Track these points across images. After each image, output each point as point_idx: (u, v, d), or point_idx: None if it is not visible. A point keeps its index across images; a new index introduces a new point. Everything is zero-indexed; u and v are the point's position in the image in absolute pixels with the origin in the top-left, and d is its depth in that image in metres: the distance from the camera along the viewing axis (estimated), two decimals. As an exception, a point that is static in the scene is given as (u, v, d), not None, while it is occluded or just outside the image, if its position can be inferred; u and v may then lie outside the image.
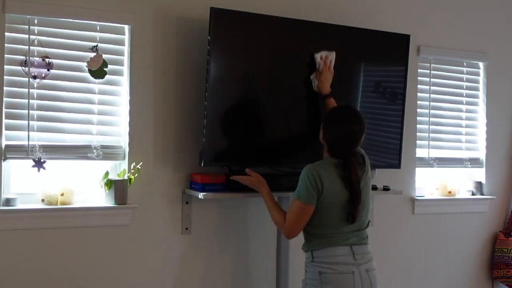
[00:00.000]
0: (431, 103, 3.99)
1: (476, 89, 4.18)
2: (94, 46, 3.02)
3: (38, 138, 2.91)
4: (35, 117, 2.91)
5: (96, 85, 3.04)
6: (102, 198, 3.06)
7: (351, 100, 3.42)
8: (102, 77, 3.03)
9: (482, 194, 4.17)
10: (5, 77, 2.85)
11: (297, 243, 3.48)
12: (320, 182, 2.63)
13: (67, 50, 2.97)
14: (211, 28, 2.97)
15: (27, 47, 2.88)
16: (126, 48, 3.10)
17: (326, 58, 3.20)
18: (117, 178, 3.05)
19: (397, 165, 3.59)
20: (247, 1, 3.27)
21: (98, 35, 3.04)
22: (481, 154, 4.18)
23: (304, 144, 3.33)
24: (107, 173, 3.05)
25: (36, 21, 2.90)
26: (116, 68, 3.09)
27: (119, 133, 3.11)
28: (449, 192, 4.02)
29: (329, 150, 2.76)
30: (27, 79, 2.89)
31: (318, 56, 3.20)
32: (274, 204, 2.85)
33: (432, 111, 3.99)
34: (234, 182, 3.06)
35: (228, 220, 3.35)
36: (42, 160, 2.87)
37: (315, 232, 2.72)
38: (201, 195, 3.04)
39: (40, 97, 2.93)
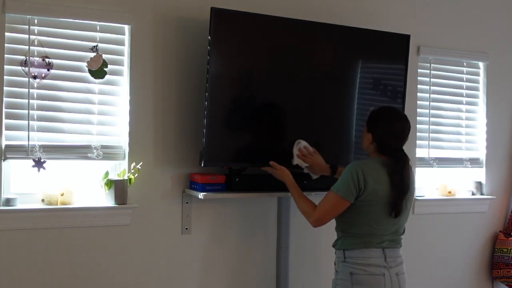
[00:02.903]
0: (431, 103, 3.99)
1: (476, 89, 4.18)
2: (94, 46, 3.01)
3: (38, 138, 2.91)
4: (35, 117, 2.91)
5: (96, 85, 3.04)
6: (102, 198, 3.06)
7: (351, 100, 3.42)
8: (102, 77, 3.03)
9: (482, 194, 4.17)
10: (5, 77, 2.85)
11: (297, 243, 3.49)
12: (364, 181, 2.66)
13: (67, 50, 2.97)
14: (212, 28, 2.97)
15: (27, 47, 2.88)
16: (126, 48, 3.10)
17: (301, 152, 3.12)
18: (117, 178, 3.04)
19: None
20: (248, 1, 3.27)
21: (98, 35, 3.03)
22: (481, 154, 4.17)
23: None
24: (107, 173, 3.05)
25: (36, 21, 2.90)
26: (116, 68, 3.09)
27: (119, 133, 3.11)
28: (449, 192, 4.02)
29: (378, 149, 2.78)
30: (27, 79, 2.89)
31: (295, 159, 3.11)
32: (301, 194, 2.90)
33: (432, 111, 3.99)
34: (234, 182, 3.09)
35: (228, 220, 3.35)
36: (42, 160, 2.86)
37: (352, 231, 2.75)
38: (201, 195, 3.04)
39: (40, 97, 2.92)
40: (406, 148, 2.84)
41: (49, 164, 2.90)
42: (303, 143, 3.14)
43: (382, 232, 2.72)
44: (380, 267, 2.68)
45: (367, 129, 2.82)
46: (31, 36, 2.89)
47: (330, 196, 2.74)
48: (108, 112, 3.09)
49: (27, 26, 2.88)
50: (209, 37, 2.98)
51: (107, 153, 3.05)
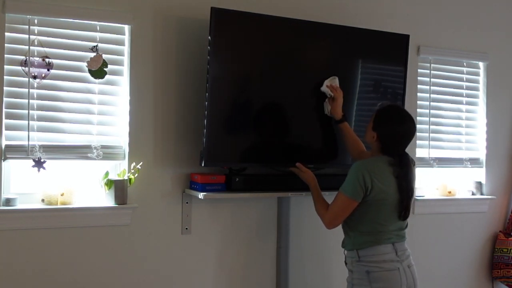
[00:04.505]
0: (431, 103, 3.99)
1: (476, 89, 4.18)
2: (94, 46, 3.01)
3: (38, 138, 2.91)
4: (35, 117, 2.91)
5: (96, 85, 3.04)
6: (102, 198, 3.06)
7: (351, 100, 3.42)
8: (102, 77, 3.03)
9: (482, 194, 4.17)
10: (5, 77, 2.85)
11: (297, 243, 3.48)
12: (370, 181, 2.69)
13: (67, 50, 2.97)
14: (212, 28, 2.97)
15: (27, 47, 2.88)
16: (126, 48, 3.10)
17: (331, 86, 3.21)
18: (117, 178, 3.05)
19: (397, 165, 3.58)
20: (248, 1, 3.27)
21: (98, 35, 3.03)
22: (481, 154, 4.18)
23: (305, 144, 3.33)
24: (107, 173, 3.05)
25: (36, 21, 2.90)
26: (116, 68, 3.09)
27: (119, 133, 3.11)
28: (449, 192, 4.02)
29: (383, 149, 2.80)
30: (27, 79, 2.89)
31: (324, 88, 3.21)
32: (319, 197, 2.95)
33: (432, 111, 3.99)
34: (234, 182, 3.10)
35: (228, 220, 3.35)
36: (42, 160, 2.86)
37: (361, 229, 2.79)
38: (201, 195, 3.04)
39: (40, 97, 2.92)
40: (406, 148, 2.85)
41: (49, 164, 2.90)
42: (336, 81, 3.23)
43: (390, 228, 2.77)
44: (394, 262, 2.74)
45: (372, 126, 2.83)
46: (31, 36, 2.89)
47: (339, 197, 2.78)
48: (108, 112, 3.09)
49: (27, 26, 2.88)
50: (209, 37, 2.98)
51: (107, 153, 3.05)
